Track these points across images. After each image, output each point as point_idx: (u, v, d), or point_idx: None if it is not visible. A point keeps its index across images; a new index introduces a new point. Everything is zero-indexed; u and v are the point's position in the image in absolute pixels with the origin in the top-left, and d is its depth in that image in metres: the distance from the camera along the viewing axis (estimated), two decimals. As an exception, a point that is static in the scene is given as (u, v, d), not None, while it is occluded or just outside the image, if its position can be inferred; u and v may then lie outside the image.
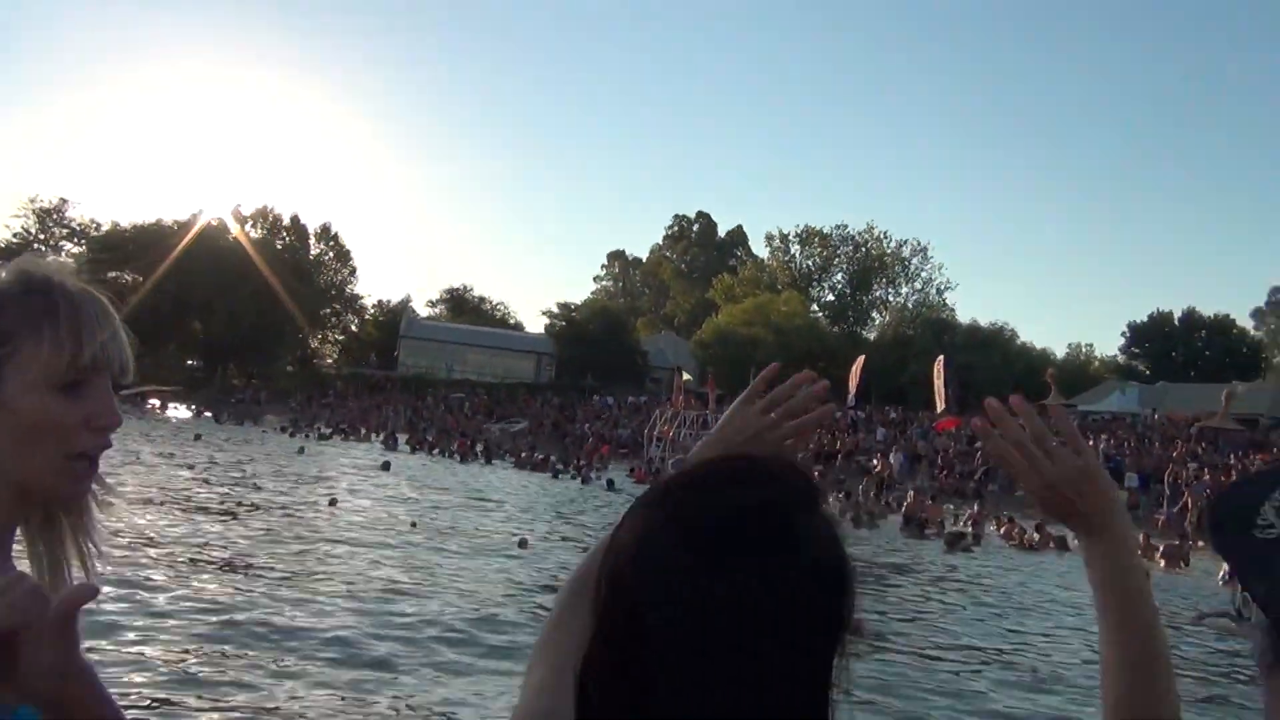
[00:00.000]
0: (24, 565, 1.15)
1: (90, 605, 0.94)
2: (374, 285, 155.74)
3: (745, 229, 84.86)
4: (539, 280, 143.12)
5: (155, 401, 43.35)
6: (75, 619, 0.92)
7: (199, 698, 6.37)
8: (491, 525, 17.50)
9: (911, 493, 27.05)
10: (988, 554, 20.38)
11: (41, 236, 53.74)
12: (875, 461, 35.12)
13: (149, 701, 6.17)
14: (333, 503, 17.69)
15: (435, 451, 36.88)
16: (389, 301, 71.11)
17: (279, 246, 59.69)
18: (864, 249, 68.75)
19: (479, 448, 37.91)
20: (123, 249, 50.84)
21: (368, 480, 23.83)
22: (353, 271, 66.37)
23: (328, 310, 63.73)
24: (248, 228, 59.74)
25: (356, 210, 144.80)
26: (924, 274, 67.96)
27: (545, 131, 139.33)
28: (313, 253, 63.95)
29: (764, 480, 0.86)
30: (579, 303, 73.70)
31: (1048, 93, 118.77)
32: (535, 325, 73.48)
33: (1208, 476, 30.65)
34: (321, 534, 14.10)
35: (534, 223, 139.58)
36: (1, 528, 1.14)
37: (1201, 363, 61.65)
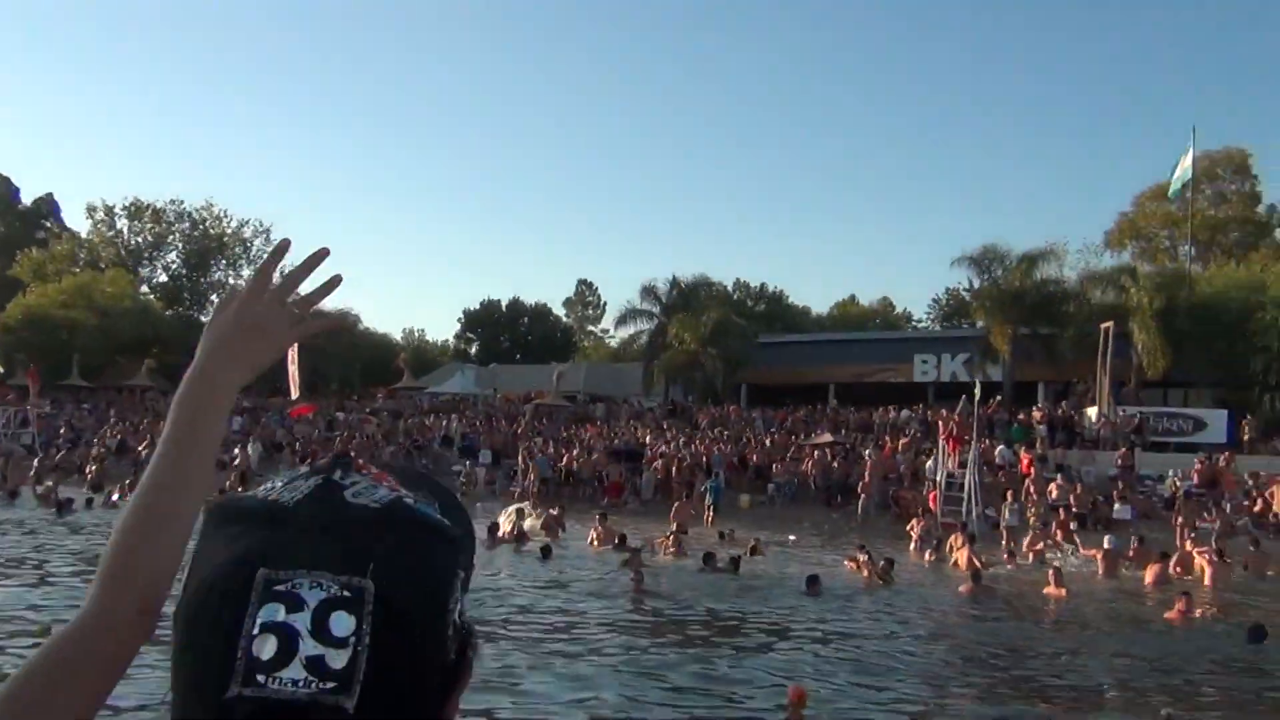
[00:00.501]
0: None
1: None
2: None
3: (57, 198, 74.43)
4: None
5: None
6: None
7: None
8: None
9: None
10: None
11: None
12: (235, 453, 32.70)
13: None
14: None
15: None
16: None
17: None
18: (202, 227, 64.11)
19: None
20: None
21: None
22: None
23: None
24: None
25: None
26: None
27: None
28: None
29: None
30: None
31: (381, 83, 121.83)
32: None
33: (551, 449, 33.59)
34: None
35: None
36: None
37: (526, 346, 68.05)
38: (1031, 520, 23.82)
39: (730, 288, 58.99)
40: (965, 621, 12.83)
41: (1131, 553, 18.56)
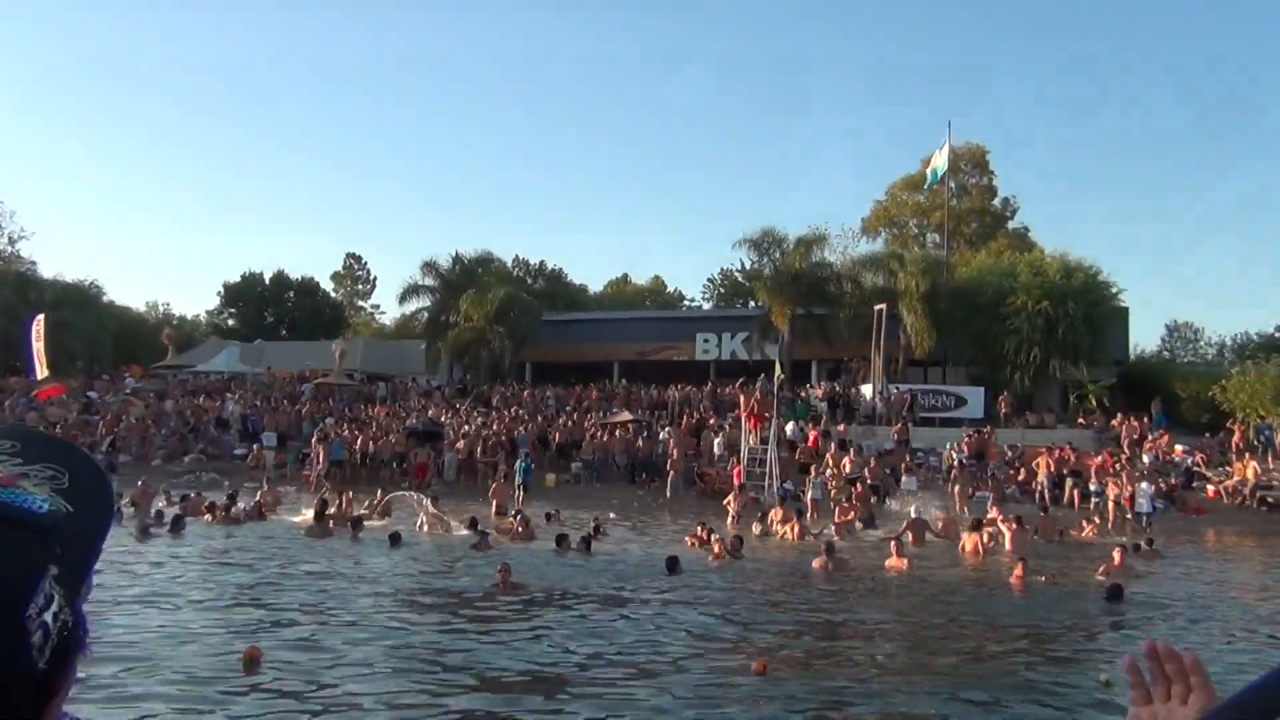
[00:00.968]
0: None
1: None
2: None
3: None
4: None
5: None
6: None
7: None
8: None
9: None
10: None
11: None
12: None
13: None
14: None
15: None
16: None
17: None
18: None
19: None
20: None
21: None
22: None
23: None
24: None
25: None
26: (-9, 220, 58.81)
27: None
28: None
29: None
30: None
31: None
32: None
33: (348, 431, 32.12)
34: None
35: None
36: None
37: (293, 322, 64.70)
38: (833, 493, 25.04)
39: (510, 265, 58.47)
40: (858, 596, 13.30)
41: (940, 524, 19.79)
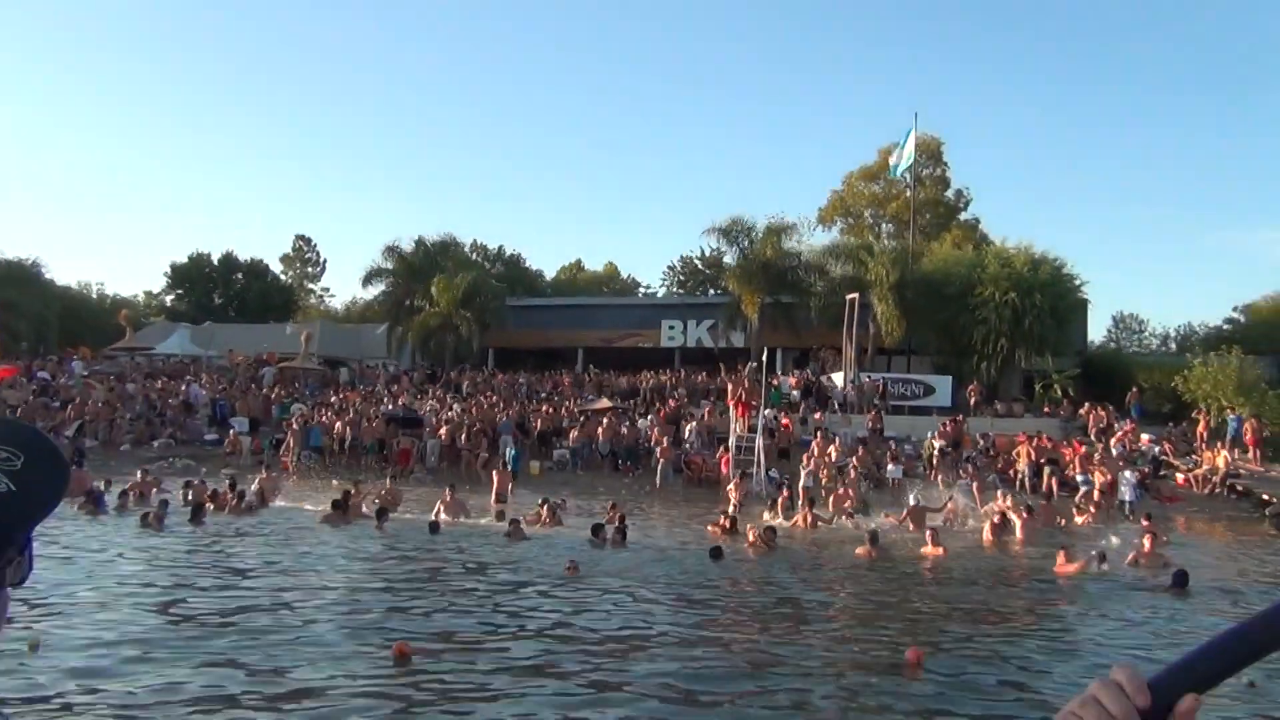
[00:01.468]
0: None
1: None
2: None
3: None
4: None
5: None
6: None
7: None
8: None
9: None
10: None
11: None
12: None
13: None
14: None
15: None
16: None
17: None
18: None
19: None
20: None
21: None
22: None
23: None
24: None
25: None
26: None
27: None
28: None
29: None
30: None
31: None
32: None
33: (325, 417, 31.60)
34: None
35: None
36: None
37: (243, 304, 63.27)
38: (825, 480, 25.30)
39: (468, 249, 57.80)
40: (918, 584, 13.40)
41: (947, 515, 20.08)
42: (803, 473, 25.70)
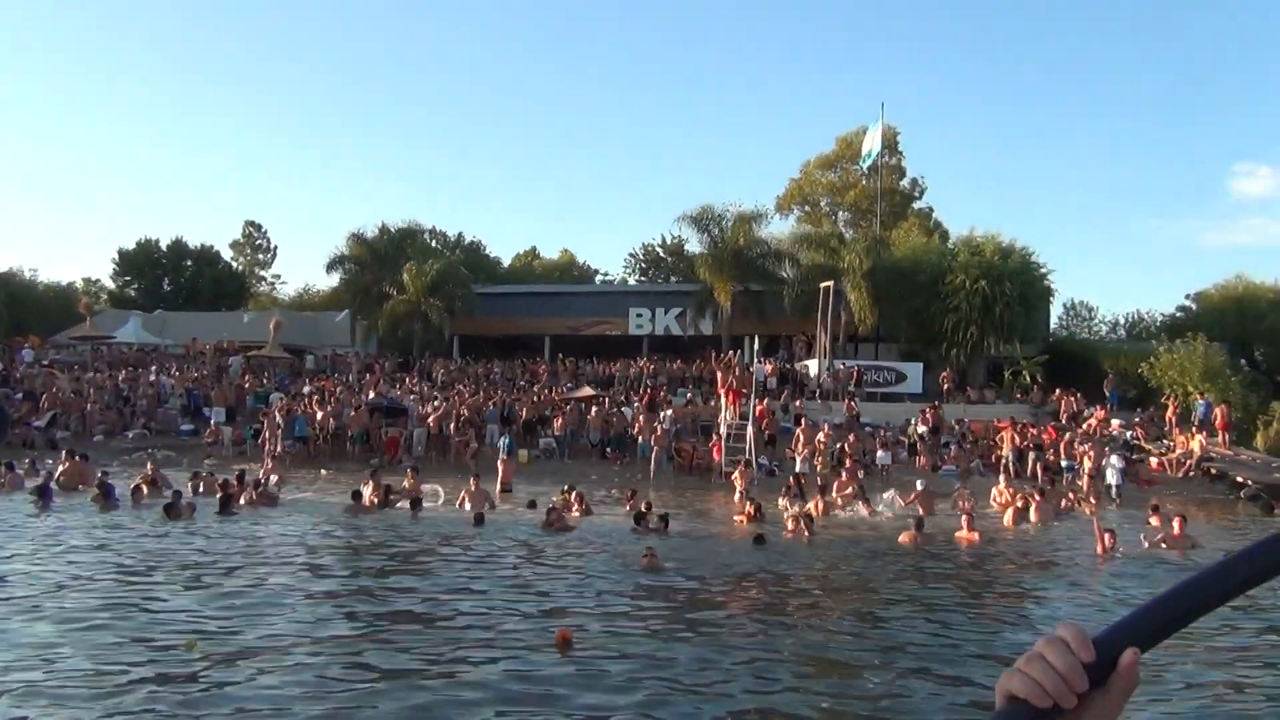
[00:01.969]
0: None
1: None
2: None
3: None
4: None
5: None
6: None
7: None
8: None
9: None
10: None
11: None
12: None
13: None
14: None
15: None
16: None
17: None
18: None
19: None
20: None
21: None
22: None
23: None
24: None
25: None
26: None
27: None
28: None
29: None
30: None
31: None
32: None
33: (304, 409, 30.99)
34: None
35: None
36: None
37: (193, 291, 61.79)
38: (820, 468, 25.56)
39: (427, 236, 57.09)
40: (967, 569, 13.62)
41: (959, 505, 20.37)
42: (797, 460, 25.93)
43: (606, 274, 71.12)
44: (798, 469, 25.28)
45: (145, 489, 18.22)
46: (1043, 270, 39.77)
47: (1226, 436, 29.45)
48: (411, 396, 32.52)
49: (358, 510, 17.12)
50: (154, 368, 36.76)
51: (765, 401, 32.02)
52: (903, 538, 15.08)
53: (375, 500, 17.73)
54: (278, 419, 28.79)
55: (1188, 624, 1.03)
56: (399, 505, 17.79)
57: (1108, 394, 33.91)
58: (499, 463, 23.04)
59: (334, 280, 50.32)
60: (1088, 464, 25.53)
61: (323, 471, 26.81)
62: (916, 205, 65.02)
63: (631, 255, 68.74)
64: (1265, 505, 23.13)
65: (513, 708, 6.74)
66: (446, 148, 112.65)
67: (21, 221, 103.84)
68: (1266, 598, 10.23)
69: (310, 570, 12.11)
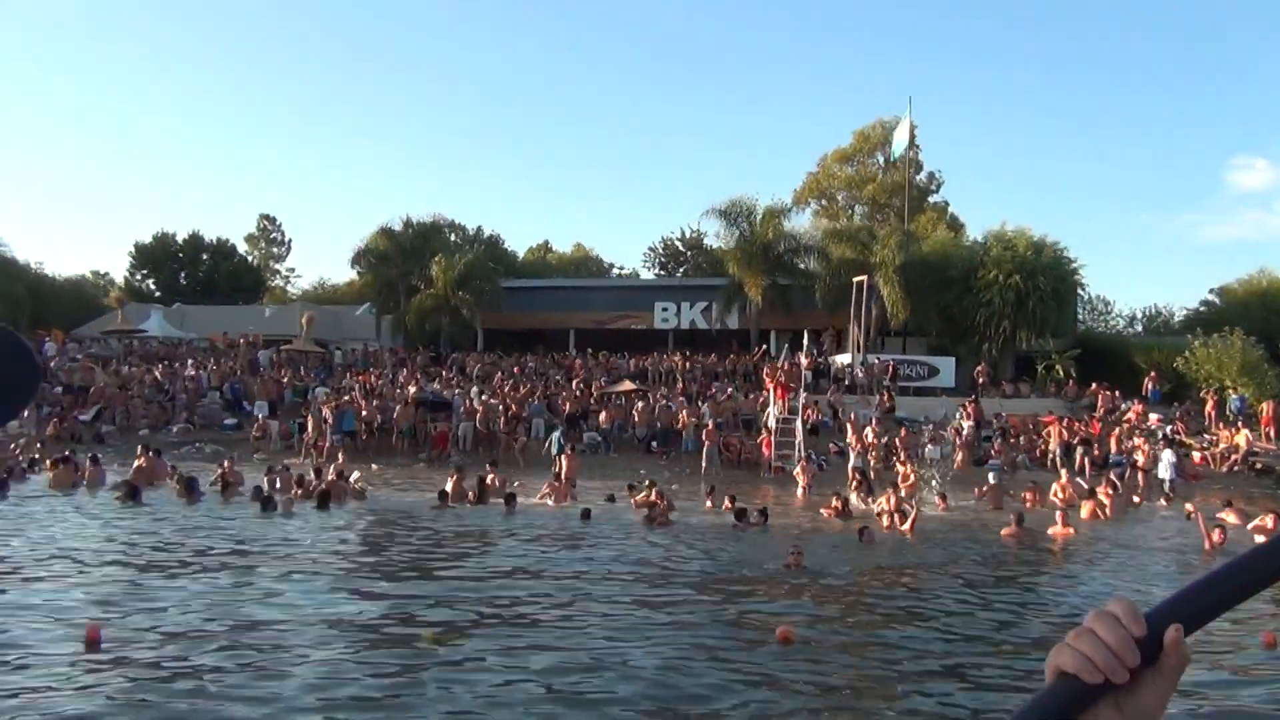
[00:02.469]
0: None
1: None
2: None
3: None
4: None
5: None
6: None
7: None
8: None
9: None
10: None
11: None
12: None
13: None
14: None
15: None
16: None
17: None
18: None
19: None
20: None
21: None
22: None
23: None
24: None
25: None
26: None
27: None
28: None
29: None
30: None
31: None
32: None
33: (356, 401, 30.96)
34: None
35: None
36: None
37: (210, 285, 61.63)
38: (874, 462, 25.64)
39: (446, 230, 56.98)
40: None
41: (1028, 497, 20.46)
42: (851, 454, 26.00)
43: (622, 268, 71.13)
44: (852, 463, 25.32)
45: (228, 483, 18.24)
46: (1073, 265, 39.91)
47: (1274, 430, 29.51)
48: (455, 391, 32.49)
49: (444, 507, 17.14)
50: (189, 361, 36.71)
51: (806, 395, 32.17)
52: (1005, 532, 15.16)
53: (473, 497, 17.76)
54: (325, 414, 28.77)
55: (1244, 600, 1.00)
56: (492, 501, 17.85)
57: (1148, 389, 33.96)
58: (563, 457, 23.01)
59: (352, 274, 50.27)
60: (1141, 458, 25.62)
61: (373, 466, 26.80)
62: (932, 200, 65.11)
63: (651, 249, 68.71)
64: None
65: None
66: (459, 140, 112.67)
67: (32, 214, 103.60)
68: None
69: (476, 562, 12.29)
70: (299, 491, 18.20)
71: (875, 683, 7.56)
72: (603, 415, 30.30)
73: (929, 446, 27.82)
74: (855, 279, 38.19)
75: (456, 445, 28.84)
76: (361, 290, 51.73)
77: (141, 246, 62.46)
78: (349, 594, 10.10)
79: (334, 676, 7.14)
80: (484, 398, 31.10)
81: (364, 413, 29.53)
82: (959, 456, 27.82)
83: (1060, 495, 21.47)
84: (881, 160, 63.23)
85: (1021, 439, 29.95)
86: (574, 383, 34.66)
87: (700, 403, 31.96)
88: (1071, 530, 15.59)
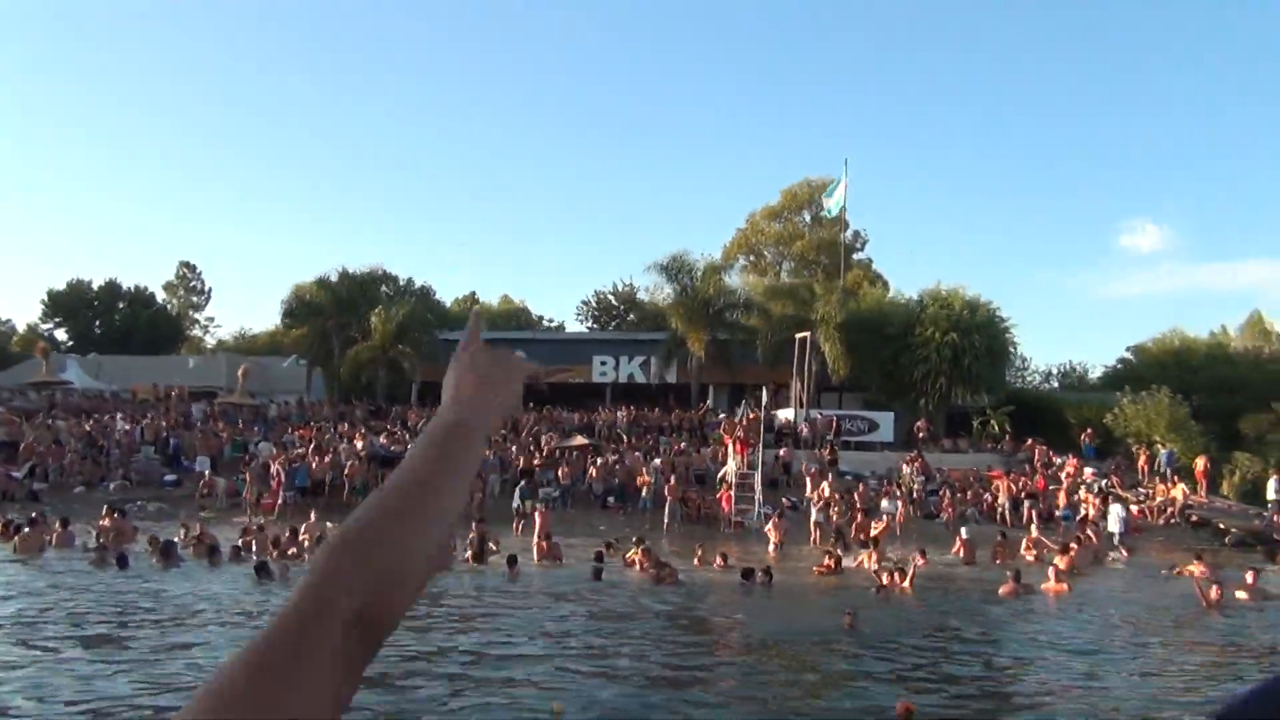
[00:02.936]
0: None
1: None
2: None
3: None
4: None
5: None
6: None
7: None
8: None
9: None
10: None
11: None
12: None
13: None
14: None
15: None
16: None
17: None
18: None
19: None
20: None
21: None
22: None
23: None
24: None
25: None
26: None
27: None
28: None
29: None
30: None
31: None
32: None
33: (306, 456, 30.20)
34: None
35: None
36: None
37: (126, 334, 59.59)
38: (835, 517, 25.91)
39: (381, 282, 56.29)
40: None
41: (997, 552, 20.92)
42: (813, 510, 26.25)
43: (552, 320, 71.04)
44: (814, 519, 25.57)
45: (195, 548, 17.57)
46: (1005, 324, 41.22)
47: (1205, 484, 30.73)
48: (406, 446, 31.86)
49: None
50: (119, 415, 35.33)
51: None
52: (1003, 589, 15.43)
53: (471, 557, 17.36)
54: (275, 469, 27.96)
55: None
56: (490, 559, 17.47)
57: (1083, 444, 35.08)
58: (536, 514, 22.70)
59: (274, 324, 49.18)
60: (1091, 511, 26.40)
61: (327, 525, 26.07)
62: (856, 257, 66.67)
63: (584, 303, 68.82)
64: (1268, 552, 24.17)
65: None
66: (385, 190, 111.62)
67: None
68: None
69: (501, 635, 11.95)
70: (275, 554, 17.61)
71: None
72: (561, 470, 30.04)
73: (884, 502, 28.22)
74: (798, 335, 38.78)
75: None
76: (285, 341, 50.57)
77: (55, 294, 60.22)
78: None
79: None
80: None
81: (313, 468, 28.76)
82: (900, 510, 28.31)
83: (1028, 551, 22.03)
84: (808, 218, 64.90)
85: (968, 493, 30.58)
86: (522, 435, 34.32)
87: (653, 458, 31.94)
88: (1064, 586, 15.97)
